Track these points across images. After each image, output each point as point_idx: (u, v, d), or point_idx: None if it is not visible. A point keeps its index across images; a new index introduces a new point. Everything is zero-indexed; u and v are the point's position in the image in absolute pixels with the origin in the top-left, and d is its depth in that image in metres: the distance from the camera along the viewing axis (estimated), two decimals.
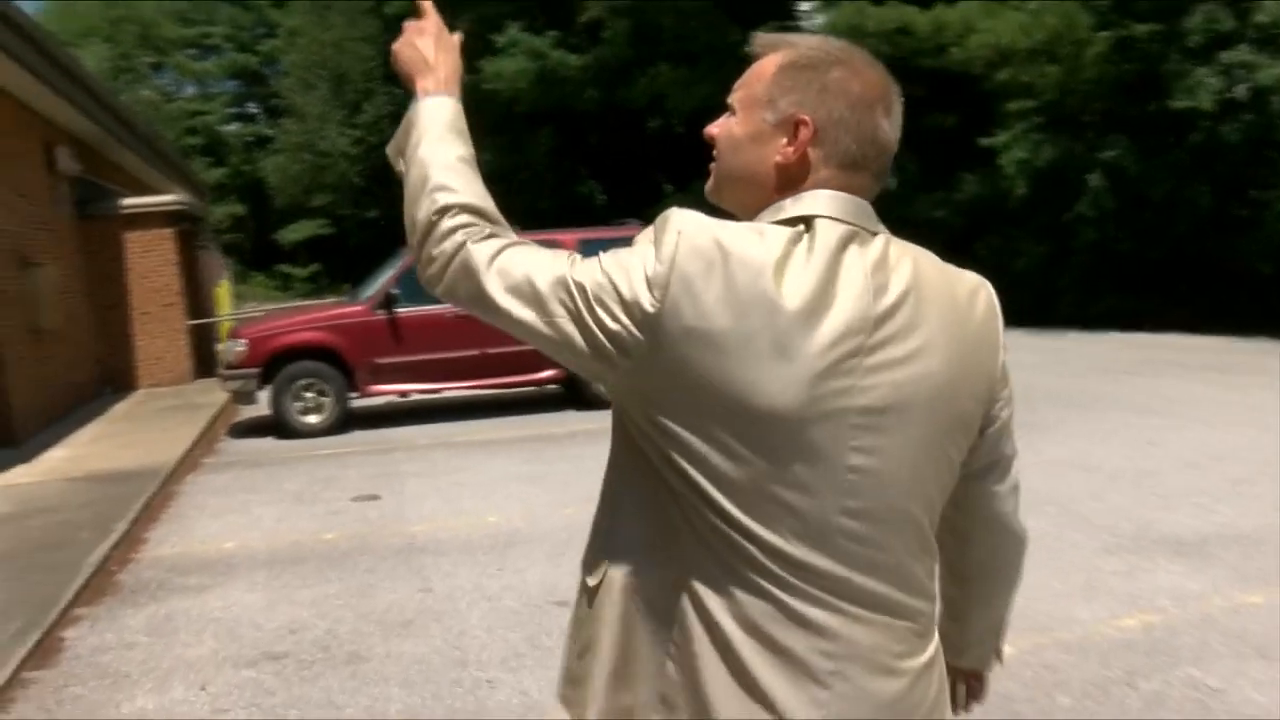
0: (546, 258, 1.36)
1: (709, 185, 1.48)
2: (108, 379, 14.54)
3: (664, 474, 1.31)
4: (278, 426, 11.02)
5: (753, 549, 1.27)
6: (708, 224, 1.27)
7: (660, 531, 1.34)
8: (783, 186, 1.36)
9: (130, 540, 6.89)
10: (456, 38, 1.57)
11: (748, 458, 1.25)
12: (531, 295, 1.32)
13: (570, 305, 1.30)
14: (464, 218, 1.41)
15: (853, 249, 1.30)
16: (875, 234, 1.35)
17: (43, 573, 6.01)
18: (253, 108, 49.56)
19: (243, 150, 46.86)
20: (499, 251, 1.37)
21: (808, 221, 1.32)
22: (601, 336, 1.28)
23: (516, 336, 1.37)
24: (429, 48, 1.54)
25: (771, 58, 1.40)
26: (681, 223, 1.27)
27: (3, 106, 11.51)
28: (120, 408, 13.08)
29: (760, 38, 1.44)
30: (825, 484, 1.27)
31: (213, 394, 13.25)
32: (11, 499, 7.99)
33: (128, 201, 15.06)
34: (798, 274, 1.25)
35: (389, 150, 1.53)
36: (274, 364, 10.98)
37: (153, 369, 15.03)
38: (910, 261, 1.34)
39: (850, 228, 1.32)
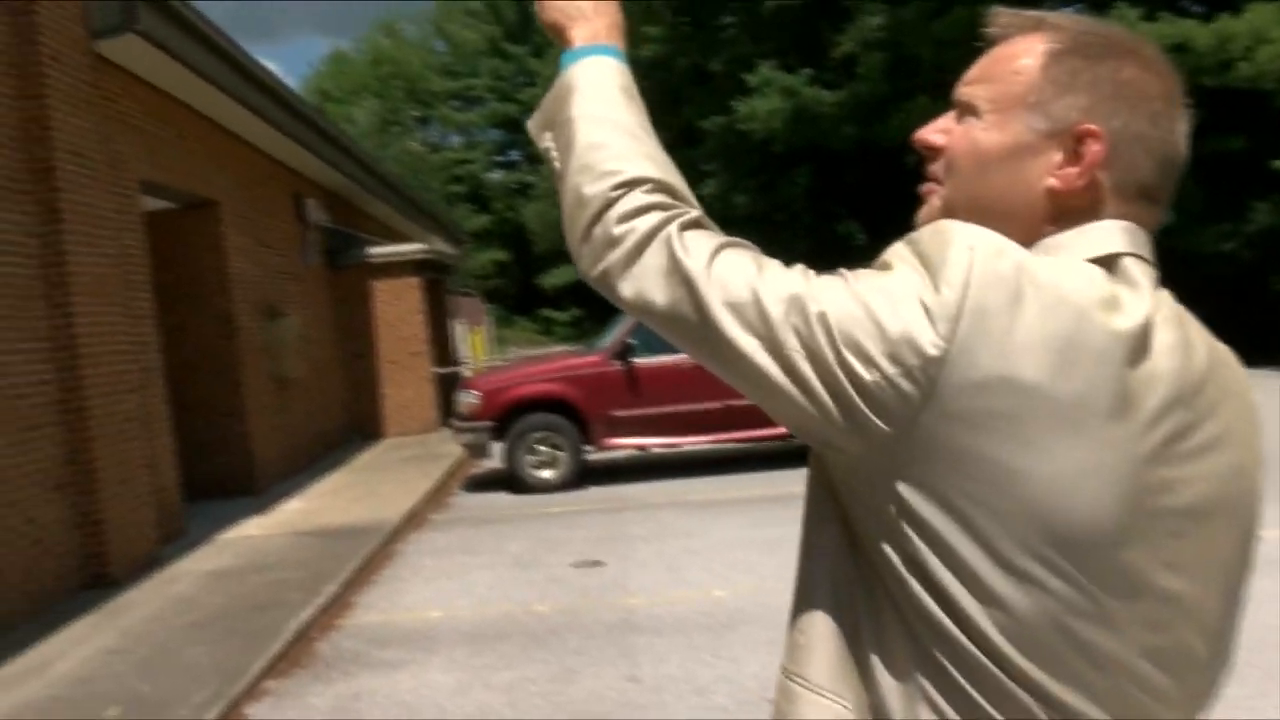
0: (775, 266, 1.03)
1: (930, 211, 1.12)
2: (355, 427, 14.81)
3: (892, 577, 0.99)
4: (511, 481, 10.67)
5: (1027, 698, 0.95)
6: (1005, 244, 0.97)
7: (863, 649, 1.03)
8: (1056, 219, 1.05)
9: (339, 604, 6.55)
10: None
11: (1040, 577, 0.93)
12: (757, 315, 1.00)
13: (807, 338, 0.97)
14: (660, 196, 1.09)
15: (1163, 298, 1.02)
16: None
17: (244, 637, 5.73)
18: (515, 155, 51.20)
19: (505, 197, 48.45)
20: (720, 247, 1.04)
21: (1107, 263, 1.01)
22: (850, 388, 0.95)
23: (724, 369, 1.03)
24: None
25: (1028, 41, 1.08)
26: (971, 238, 0.97)
27: (253, 161, 11.91)
28: (363, 457, 13.21)
29: (1004, 13, 1.11)
30: (1131, 616, 0.96)
31: (455, 444, 13.19)
32: (239, 552, 7.92)
33: (376, 250, 15.39)
34: (1124, 325, 0.95)
35: (531, 125, 1.22)
36: (507, 417, 10.66)
37: (399, 417, 15.20)
38: (1189, 317, 1.05)
39: (1154, 272, 1.03)
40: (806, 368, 0.96)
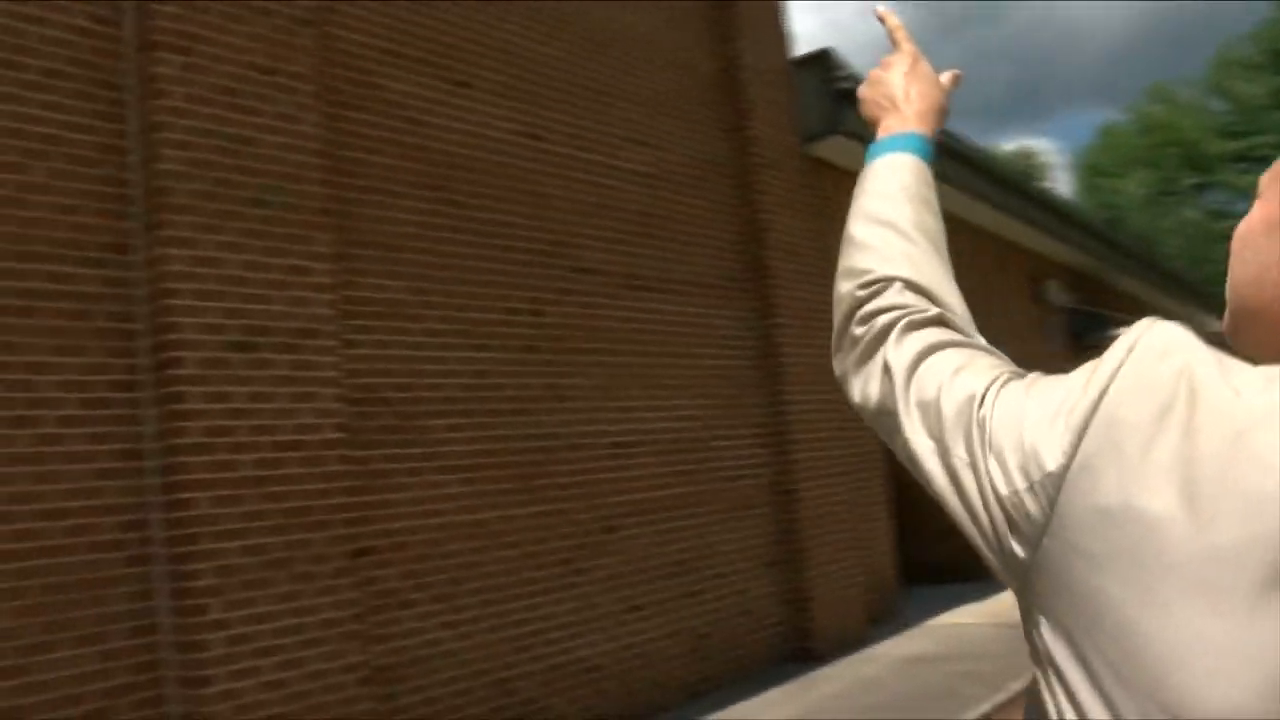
0: (981, 366, 0.92)
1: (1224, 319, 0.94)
2: None
3: None
4: None
5: None
6: (1182, 345, 0.78)
7: None
8: None
9: (1016, 702, 5.98)
10: (944, 75, 1.24)
11: None
12: (935, 416, 0.90)
13: (970, 446, 0.85)
14: (907, 295, 1.03)
15: None
16: None
17: None
18: None
19: None
20: (938, 346, 0.96)
21: None
22: (995, 504, 0.80)
23: (918, 478, 0.92)
24: (898, 80, 1.22)
25: None
26: (1142, 334, 0.82)
27: (986, 247, 11.81)
28: None
29: None
30: None
31: None
32: (942, 639, 7.75)
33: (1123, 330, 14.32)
34: None
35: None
36: None
37: None
38: None
39: None
40: (968, 477, 0.84)
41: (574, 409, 6.19)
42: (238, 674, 4.18)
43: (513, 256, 6.01)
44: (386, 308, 5.26)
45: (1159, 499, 0.71)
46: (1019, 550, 0.79)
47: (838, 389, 1.06)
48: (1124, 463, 0.74)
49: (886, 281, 1.04)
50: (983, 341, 0.99)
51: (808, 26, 53.59)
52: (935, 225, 1.12)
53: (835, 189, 8.97)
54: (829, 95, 8.28)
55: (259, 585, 4.30)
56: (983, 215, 11.01)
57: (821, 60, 8.44)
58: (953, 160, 9.58)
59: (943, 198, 1.15)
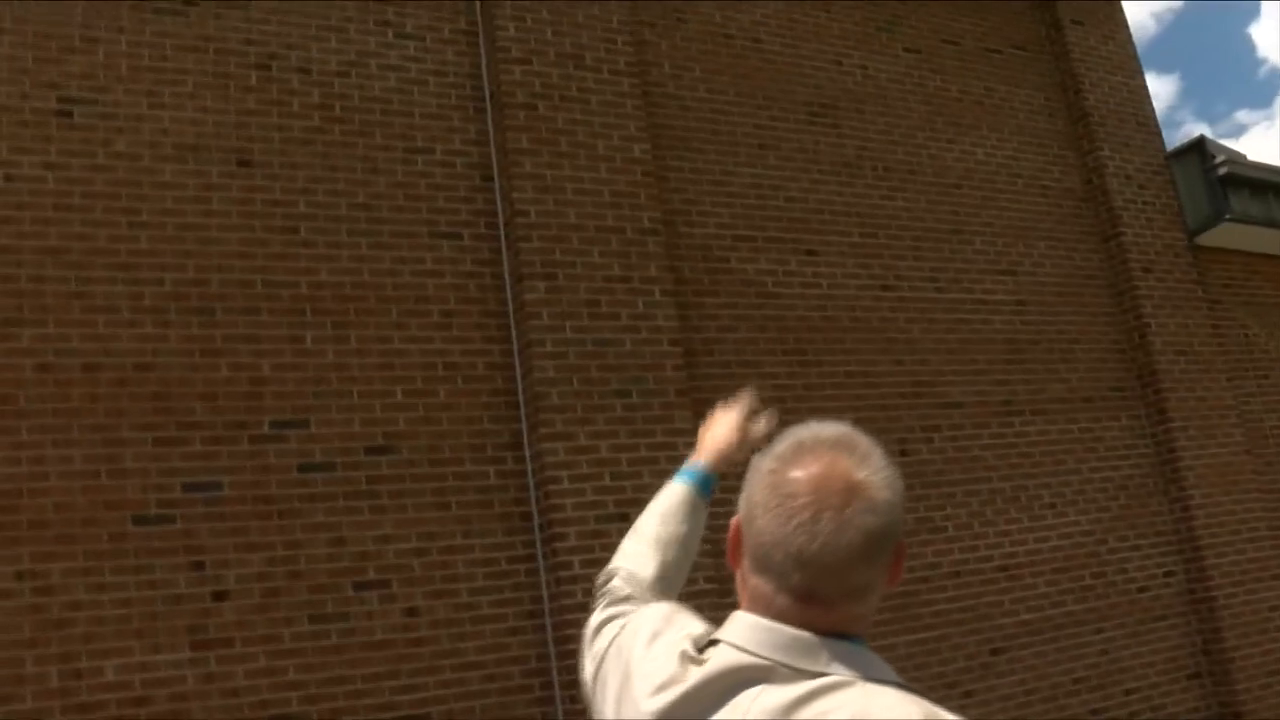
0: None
1: None
2: None
3: None
4: None
5: None
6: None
7: None
8: None
9: None
10: (754, 427, 1.77)
11: None
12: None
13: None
14: (616, 582, 1.56)
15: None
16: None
17: None
18: None
19: None
20: (603, 607, 1.50)
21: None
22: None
23: None
24: (712, 427, 1.81)
25: None
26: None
27: None
28: None
29: None
30: None
31: None
32: None
33: None
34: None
35: None
36: None
37: None
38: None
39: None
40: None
41: (951, 537, 6.58)
42: None
43: (874, 403, 6.59)
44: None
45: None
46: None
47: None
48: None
49: (615, 572, 1.61)
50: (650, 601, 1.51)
51: None
52: (669, 532, 1.67)
53: (1229, 274, 8.62)
54: (1210, 183, 8.08)
55: None
56: None
57: (1197, 150, 8.25)
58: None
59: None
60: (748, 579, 1.17)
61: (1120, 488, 7.37)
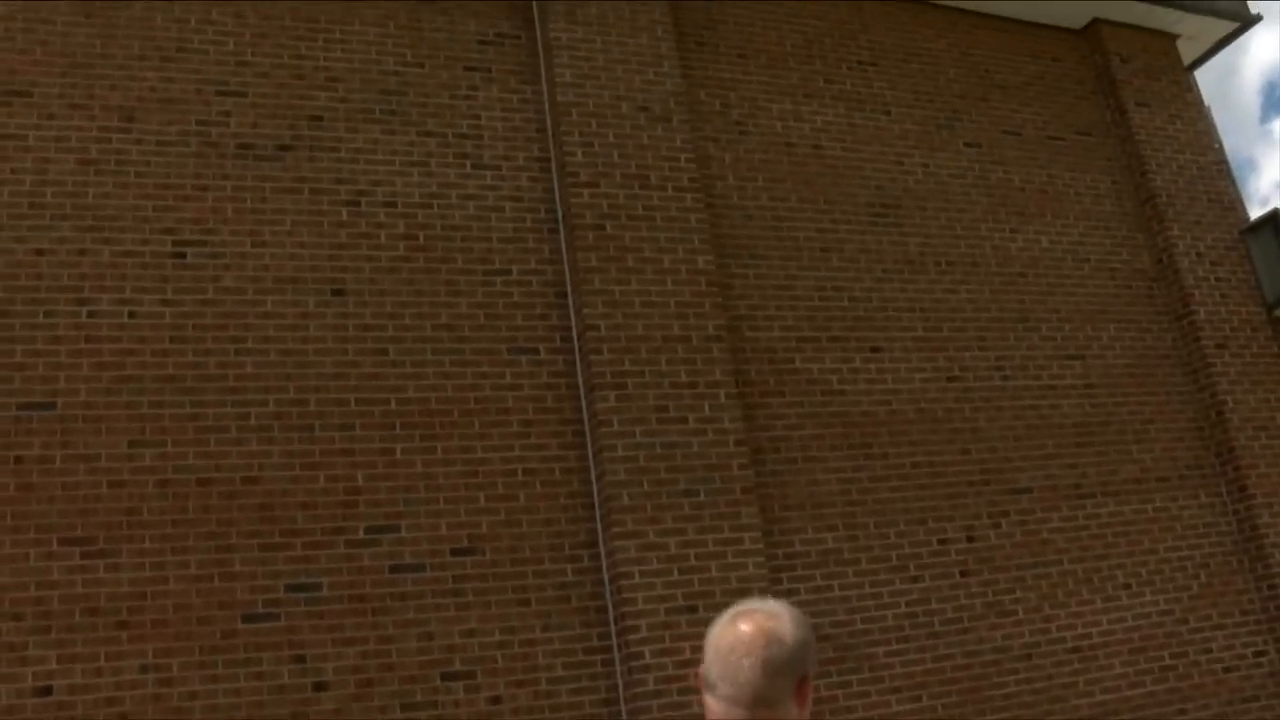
0: None
1: None
2: None
3: None
4: None
5: None
6: None
7: None
8: None
9: None
10: None
11: None
12: None
13: None
14: None
15: None
16: None
17: None
18: None
19: None
20: None
21: None
22: None
23: None
24: None
25: None
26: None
27: None
28: None
29: None
30: None
31: None
32: None
33: None
34: None
35: None
36: None
37: None
38: None
39: None
40: None
41: (1021, 620, 6.74)
42: None
43: (941, 491, 6.84)
44: (819, 556, 6.37)
45: None
46: None
47: None
48: None
49: None
50: None
51: None
52: None
53: None
54: None
55: None
56: None
57: (1273, 222, 8.29)
58: None
59: None
60: (705, 701, 1.74)
61: (1201, 566, 7.40)
